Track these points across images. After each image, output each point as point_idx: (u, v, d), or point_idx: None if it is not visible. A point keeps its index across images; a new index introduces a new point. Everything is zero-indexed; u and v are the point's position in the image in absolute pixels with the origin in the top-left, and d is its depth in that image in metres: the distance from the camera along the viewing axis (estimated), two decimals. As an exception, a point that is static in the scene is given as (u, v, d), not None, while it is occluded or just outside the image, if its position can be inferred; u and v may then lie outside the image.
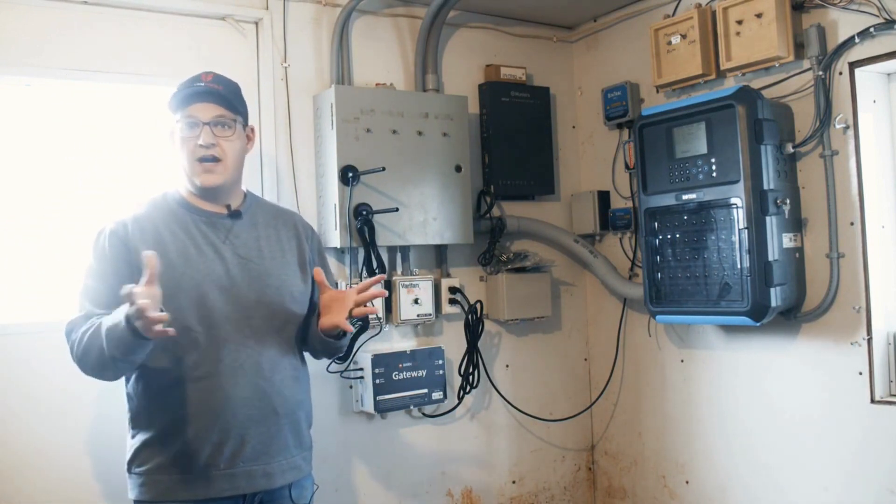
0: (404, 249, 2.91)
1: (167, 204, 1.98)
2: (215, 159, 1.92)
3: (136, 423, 1.89)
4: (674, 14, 2.90)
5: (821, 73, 2.46)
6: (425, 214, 2.81)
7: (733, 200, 2.49)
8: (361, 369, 2.77)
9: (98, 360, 1.75)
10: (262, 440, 1.89)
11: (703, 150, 2.58)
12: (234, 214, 1.99)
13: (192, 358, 1.84)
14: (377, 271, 2.70)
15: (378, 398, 2.75)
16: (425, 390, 2.86)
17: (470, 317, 2.97)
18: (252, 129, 2.08)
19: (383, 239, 2.71)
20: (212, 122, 1.92)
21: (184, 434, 1.82)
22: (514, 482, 3.23)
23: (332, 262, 2.80)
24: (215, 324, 1.86)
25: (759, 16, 2.53)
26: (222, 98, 1.94)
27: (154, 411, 1.85)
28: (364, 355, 2.76)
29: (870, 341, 2.43)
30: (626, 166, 3.18)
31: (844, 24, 2.43)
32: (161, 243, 1.88)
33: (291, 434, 1.96)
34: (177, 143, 1.95)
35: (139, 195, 2.12)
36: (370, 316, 2.71)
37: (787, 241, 2.53)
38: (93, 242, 1.92)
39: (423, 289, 2.86)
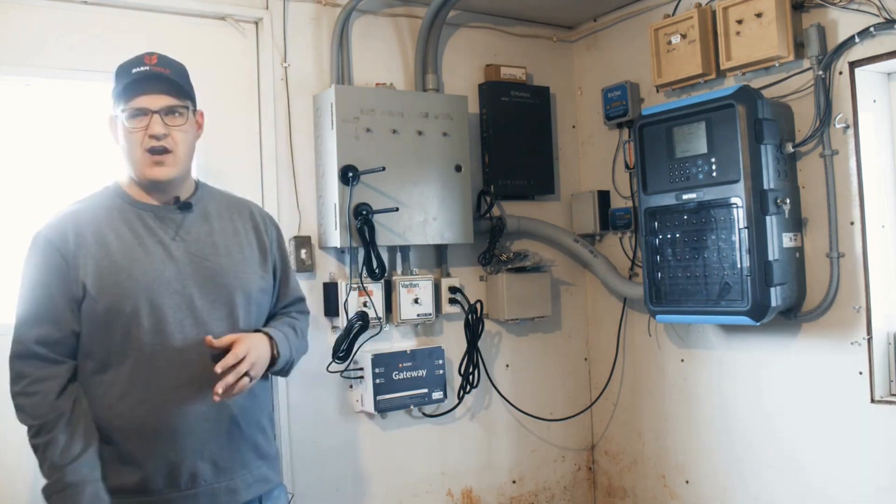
0: (404, 249, 2.91)
1: (110, 199, 1.80)
2: (165, 150, 1.74)
3: None
4: (674, 14, 2.90)
5: (821, 72, 2.46)
6: (425, 214, 2.81)
7: (733, 200, 2.49)
8: (361, 369, 2.77)
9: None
10: (222, 455, 1.76)
11: (703, 149, 2.58)
12: (184, 206, 1.81)
13: (145, 372, 1.70)
14: (377, 271, 2.70)
15: (378, 398, 2.75)
16: (425, 390, 2.86)
17: (470, 316, 2.97)
18: (201, 114, 1.89)
19: (383, 239, 2.71)
20: (162, 110, 1.74)
21: (139, 455, 1.69)
22: (514, 482, 3.23)
23: (332, 261, 2.81)
24: (168, 333, 1.71)
25: (759, 15, 2.52)
26: (172, 85, 1.76)
27: (105, 433, 1.70)
28: (364, 355, 2.76)
29: (870, 341, 2.43)
30: (626, 166, 3.18)
31: (844, 23, 2.43)
32: (104, 245, 1.71)
33: (255, 444, 1.83)
34: (120, 133, 1.77)
35: (80, 189, 1.92)
36: (370, 316, 2.71)
37: (788, 240, 2.53)
38: (28, 250, 1.76)
39: (423, 288, 2.86)
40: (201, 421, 1.73)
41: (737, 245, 2.50)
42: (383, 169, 2.64)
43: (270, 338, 1.82)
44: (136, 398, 1.69)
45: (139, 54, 1.80)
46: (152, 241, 1.75)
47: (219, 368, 1.66)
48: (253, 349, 1.73)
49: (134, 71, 1.75)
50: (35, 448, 1.69)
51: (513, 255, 3.11)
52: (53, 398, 1.68)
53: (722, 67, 2.69)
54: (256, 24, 2.72)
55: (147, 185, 1.79)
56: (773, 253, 2.46)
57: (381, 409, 2.76)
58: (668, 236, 2.72)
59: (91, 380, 1.72)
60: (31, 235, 1.77)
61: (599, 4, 3.20)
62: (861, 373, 2.45)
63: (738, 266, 2.49)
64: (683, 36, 2.77)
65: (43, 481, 1.68)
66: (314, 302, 2.76)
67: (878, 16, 2.33)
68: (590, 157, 3.41)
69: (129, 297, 1.69)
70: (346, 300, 2.71)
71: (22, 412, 1.70)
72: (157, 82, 1.74)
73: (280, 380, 2.66)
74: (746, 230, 2.46)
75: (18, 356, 1.71)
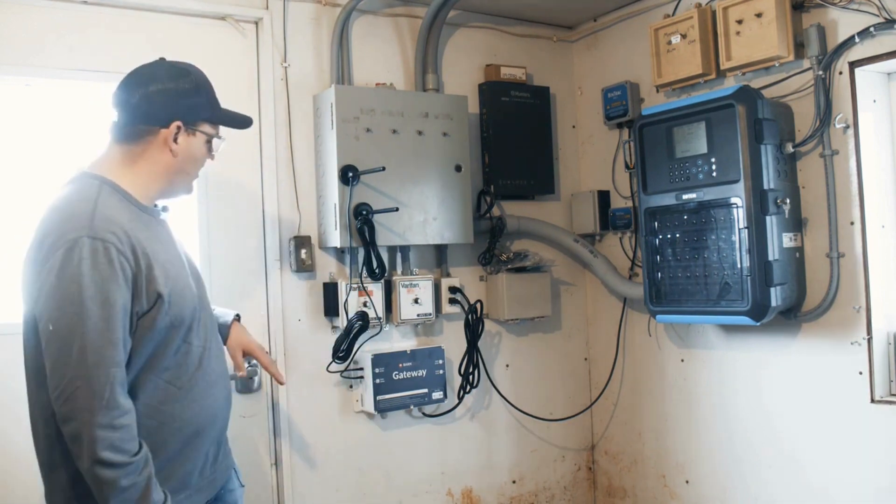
0: (404, 249, 2.91)
1: (118, 198, 1.67)
2: None
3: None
4: (674, 14, 2.90)
5: (821, 72, 2.46)
6: (425, 214, 2.81)
7: (733, 200, 2.49)
8: (361, 369, 2.77)
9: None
10: (225, 439, 1.92)
11: (703, 149, 2.58)
12: (165, 209, 1.84)
13: (196, 374, 1.73)
14: (377, 271, 2.70)
15: (378, 398, 2.75)
16: (425, 390, 2.86)
17: (470, 316, 2.97)
18: None
19: (383, 239, 2.71)
20: None
21: (188, 454, 1.73)
22: (514, 482, 3.23)
23: (332, 261, 2.81)
24: (203, 336, 1.77)
25: (759, 15, 2.52)
26: None
27: (161, 440, 1.67)
28: (364, 355, 2.76)
29: (870, 341, 2.43)
30: (626, 166, 3.18)
31: (844, 23, 2.43)
32: (154, 252, 1.65)
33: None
34: (194, 147, 1.76)
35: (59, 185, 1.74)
36: (370, 316, 2.72)
37: (788, 240, 2.53)
38: (83, 256, 1.52)
39: (423, 288, 2.86)
40: (225, 411, 1.86)
41: (737, 245, 2.50)
42: (383, 169, 2.64)
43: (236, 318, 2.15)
44: (190, 399, 1.72)
45: (206, 77, 1.83)
46: (170, 245, 1.76)
47: (283, 380, 2.29)
48: (249, 343, 2.13)
49: (218, 99, 1.84)
50: (120, 489, 1.50)
51: (513, 255, 3.11)
52: (136, 432, 1.56)
53: (722, 67, 2.69)
54: (256, 24, 2.72)
55: (174, 195, 1.83)
56: (773, 253, 2.46)
57: (381, 409, 2.76)
58: (668, 236, 2.72)
59: (148, 389, 1.65)
60: (72, 240, 1.53)
61: (599, 4, 3.20)
62: (861, 373, 2.45)
63: (738, 266, 2.49)
64: (683, 36, 2.77)
65: None
66: (314, 302, 2.77)
67: (878, 16, 2.33)
68: (590, 157, 3.41)
69: (187, 305, 1.70)
70: (346, 300, 2.71)
71: (110, 448, 1.50)
72: (235, 120, 1.90)
73: (280, 380, 2.68)
74: (746, 230, 2.46)
75: (107, 381, 1.51)
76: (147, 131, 1.71)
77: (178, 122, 1.72)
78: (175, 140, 1.72)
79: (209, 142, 1.81)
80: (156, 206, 1.80)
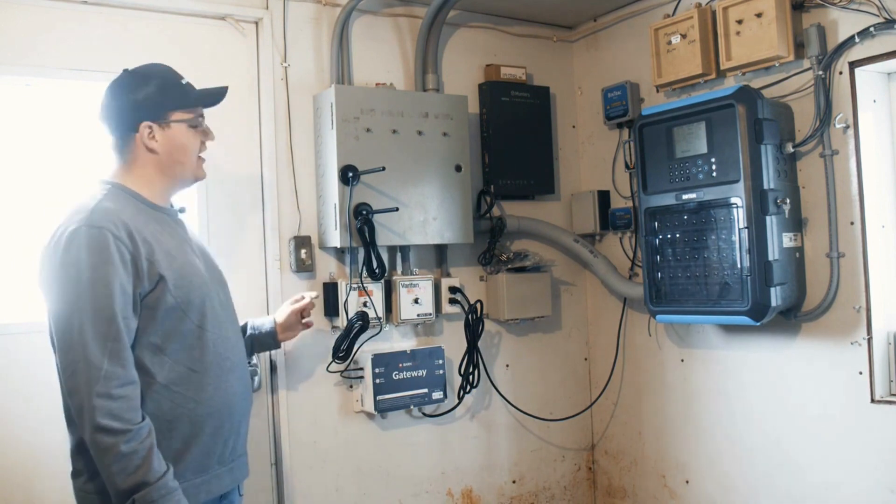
0: (404, 249, 2.91)
1: (127, 200, 1.78)
2: None
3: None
4: (674, 14, 2.90)
5: (821, 72, 2.46)
6: (425, 214, 2.81)
7: (733, 200, 2.49)
8: (361, 369, 2.77)
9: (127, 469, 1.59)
10: (245, 430, 1.94)
11: (703, 149, 2.58)
12: (181, 210, 1.97)
13: (213, 360, 1.80)
14: (377, 271, 2.70)
15: (378, 398, 2.75)
16: (425, 390, 2.86)
17: (470, 316, 2.97)
18: None
19: (383, 239, 2.71)
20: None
21: (206, 439, 1.78)
22: (514, 482, 3.23)
23: (332, 261, 2.81)
24: (217, 323, 1.84)
25: (759, 15, 2.52)
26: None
27: (177, 423, 1.74)
28: (364, 355, 2.76)
29: (870, 341, 2.43)
30: (626, 166, 3.18)
31: (844, 23, 2.43)
32: (158, 242, 1.74)
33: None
34: (177, 138, 1.83)
35: (80, 189, 1.88)
36: (370, 316, 2.72)
37: (788, 240, 2.53)
38: (81, 244, 1.63)
39: (423, 288, 2.86)
40: (242, 401, 1.90)
41: (737, 245, 2.50)
42: (383, 169, 2.64)
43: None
44: (205, 383, 1.78)
45: (166, 65, 1.90)
46: (183, 242, 1.85)
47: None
48: (287, 313, 2.33)
49: (184, 82, 1.87)
50: (120, 455, 1.57)
51: (513, 255, 3.11)
52: (138, 404, 1.64)
53: (722, 67, 2.69)
54: (256, 24, 2.72)
55: (185, 185, 1.91)
56: (773, 253, 2.46)
57: (382, 409, 2.76)
58: (668, 236, 2.72)
59: (164, 370, 1.72)
60: (72, 231, 1.64)
61: (599, 4, 3.20)
62: (861, 373, 2.45)
63: (738, 266, 2.49)
64: (683, 36, 2.77)
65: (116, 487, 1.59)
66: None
67: (878, 16, 2.33)
68: (590, 157, 3.41)
69: (195, 289, 1.78)
70: (346, 300, 2.71)
71: (108, 416, 1.57)
72: (207, 96, 1.92)
73: (281, 379, 2.68)
74: (746, 230, 2.46)
75: (104, 354, 1.59)
76: (126, 141, 1.82)
77: (146, 123, 1.81)
78: (152, 139, 1.81)
79: (193, 127, 1.86)
80: (172, 206, 1.91)
